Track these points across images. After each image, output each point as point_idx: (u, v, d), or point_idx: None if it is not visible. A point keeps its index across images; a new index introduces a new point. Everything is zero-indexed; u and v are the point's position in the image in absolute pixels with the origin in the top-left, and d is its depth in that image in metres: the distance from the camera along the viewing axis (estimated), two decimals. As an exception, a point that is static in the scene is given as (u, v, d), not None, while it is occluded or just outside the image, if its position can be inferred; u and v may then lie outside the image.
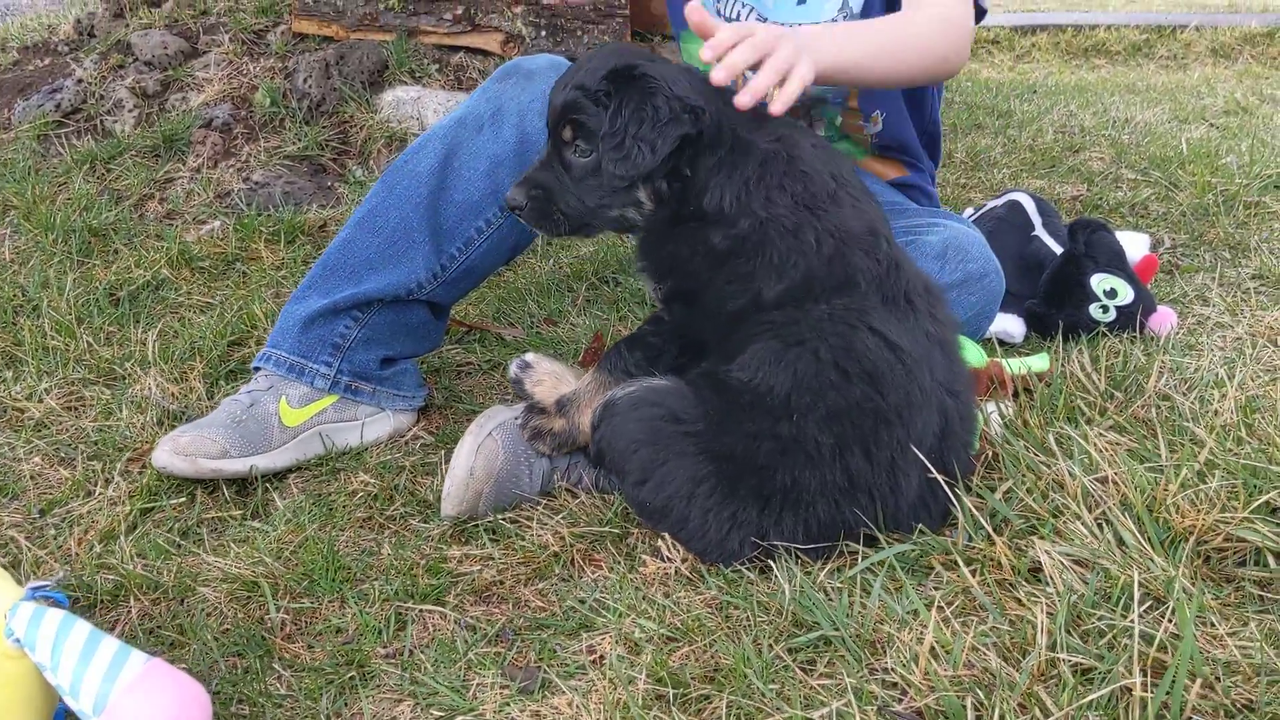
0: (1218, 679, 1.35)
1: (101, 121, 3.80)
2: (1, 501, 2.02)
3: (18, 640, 1.32)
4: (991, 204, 2.93)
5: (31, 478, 2.09)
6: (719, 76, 1.72)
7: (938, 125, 2.52)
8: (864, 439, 1.66)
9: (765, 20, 2.34)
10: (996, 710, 1.32)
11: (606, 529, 1.84)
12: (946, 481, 1.69)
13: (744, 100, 1.73)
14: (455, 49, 3.96)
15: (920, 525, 1.71)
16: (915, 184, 2.51)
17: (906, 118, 2.43)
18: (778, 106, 1.74)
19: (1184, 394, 2.07)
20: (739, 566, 1.68)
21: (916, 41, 2.04)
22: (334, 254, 2.16)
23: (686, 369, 1.83)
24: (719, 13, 2.41)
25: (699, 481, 1.68)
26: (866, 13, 2.24)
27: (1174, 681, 1.30)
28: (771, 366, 1.68)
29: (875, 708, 1.36)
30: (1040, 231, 2.75)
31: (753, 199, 1.75)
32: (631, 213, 1.84)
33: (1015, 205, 2.84)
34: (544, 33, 3.88)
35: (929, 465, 1.68)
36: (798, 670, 1.44)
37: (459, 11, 3.89)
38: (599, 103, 1.75)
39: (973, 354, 2.09)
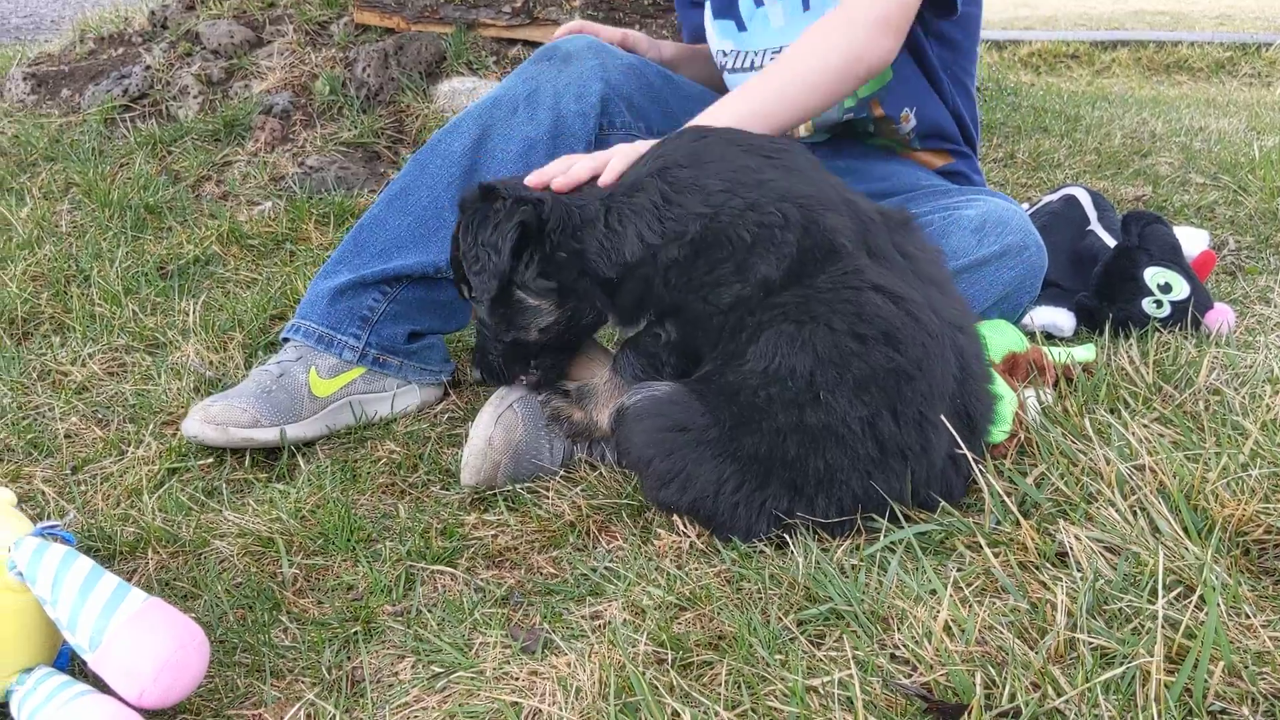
0: (1246, 667, 1.28)
1: (167, 107, 3.88)
2: (36, 458, 2.06)
3: (20, 574, 1.33)
4: (1047, 199, 2.86)
5: (67, 437, 2.12)
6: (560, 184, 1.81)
7: (965, 116, 2.46)
8: (891, 401, 1.61)
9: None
10: (1007, 687, 1.26)
11: (624, 502, 1.81)
12: (975, 460, 1.64)
13: (560, 183, 1.80)
14: (513, 42, 3.98)
15: (945, 502, 1.66)
16: (961, 170, 2.45)
17: (937, 101, 2.37)
18: (606, 178, 1.79)
19: (1235, 389, 1.98)
20: (755, 542, 1.64)
21: (818, 64, 1.98)
22: (364, 231, 2.17)
23: (689, 371, 1.79)
24: (726, 66, 2.39)
25: (723, 481, 1.63)
26: None
27: (1195, 666, 1.24)
28: (789, 348, 1.63)
29: (881, 680, 1.31)
30: (1095, 226, 2.67)
31: (685, 205, 1.72)
32: (544, 320, 1.84)
33: (1071, 199, 2.76)
34: (602, 26, 3.87)
35: (951, 427, 1.63)
36: (805, 642, 1.40)
37: (518, 4, 3.91)
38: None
39: (1013, 338, 2.02)
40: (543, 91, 2.13)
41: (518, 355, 1.91)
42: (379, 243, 2.14)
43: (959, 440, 1.63)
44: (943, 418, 1.63)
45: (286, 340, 2.18)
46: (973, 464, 1.64)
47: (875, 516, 1.63)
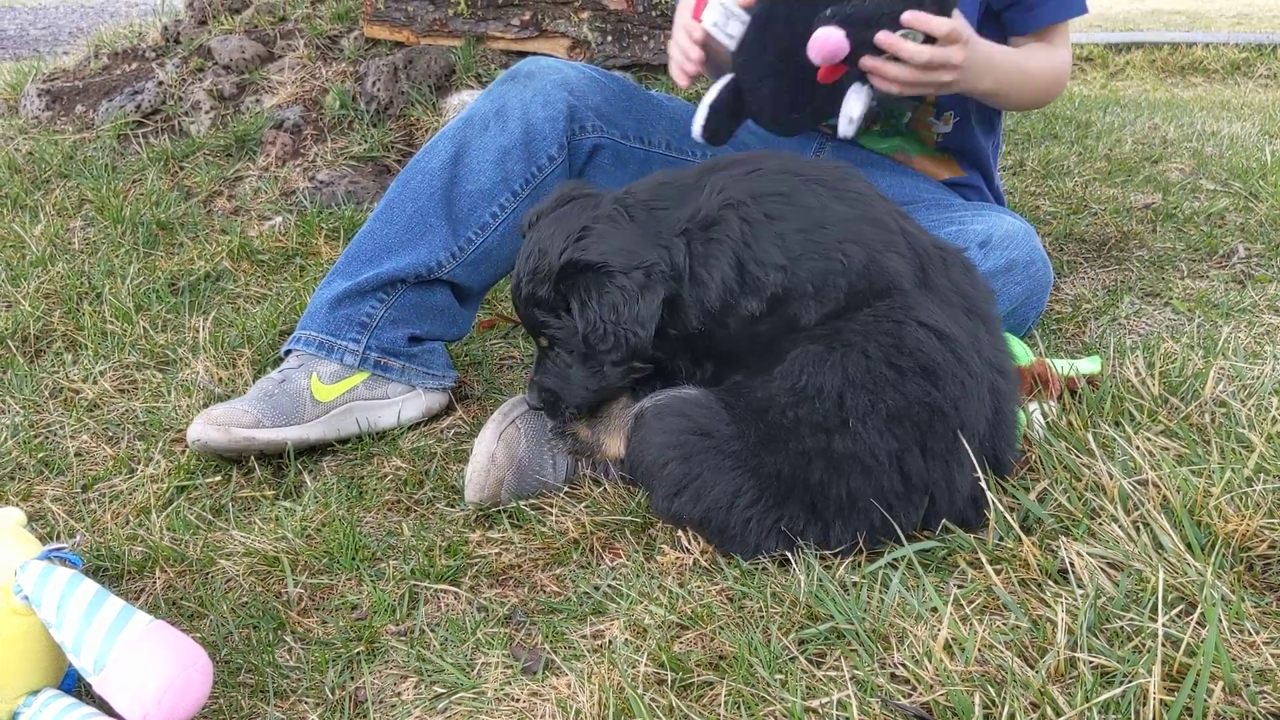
0: (1246, 686, 1.28)
1: (179, 122, 3.91)
2: (47, 476, 2.08)
3: (25, 597, 1.35)
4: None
5: (78, 455, 2.14)
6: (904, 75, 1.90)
7: (994, 143, 2.49)
8: (922, 437, 1.60)
9: None
10: (1006, 708, 1.26)
11: (628, 518, 1.82)
12: (985, 481, 1.64)
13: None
14: (522, 54, 3.98)
15: (949, 523, 1.65)
16: (970, 183, 2.45)
17: (974, 126, 2.40)
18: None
19: (1242, 401, 1.97)
20: (758, 558, 1.64)
21: (1039, 78, 2.25)
22: (355, 245, 2.24)
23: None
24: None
25: (739, 495, 1.63)
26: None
27: (1195, 685, 1.23)
28: (817, 367, 1.61)
29: (880, 700, 1.31)
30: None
31: (766, 254, 1.65)
32: (635, 373, 1.84)
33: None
34: (610, 38, 3.88)
35: (979, 467, 1.62)
36: (805, 661, 1.40)
37: (526, 17, 3.93)
38: (559, 313, 1.74)
39: (1017, 351, 2.02)
40: (510, 106, 2.21)
41: (597, 398, 1.88)
42: (369, 251, 2.20)
43: (985, 485, 1.62)
44: (972, 458, 1.62)
45: (289, 353, 2.21)
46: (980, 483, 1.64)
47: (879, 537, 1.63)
